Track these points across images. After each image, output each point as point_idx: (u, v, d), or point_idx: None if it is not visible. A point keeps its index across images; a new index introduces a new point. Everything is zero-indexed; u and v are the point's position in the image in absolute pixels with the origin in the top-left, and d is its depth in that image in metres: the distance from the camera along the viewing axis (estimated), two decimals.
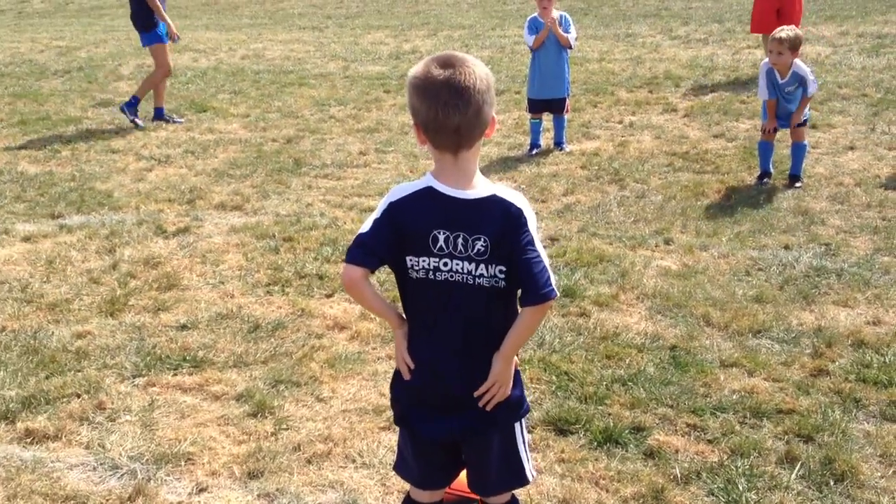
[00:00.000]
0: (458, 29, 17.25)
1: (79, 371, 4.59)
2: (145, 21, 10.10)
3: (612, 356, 4.68)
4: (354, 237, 2.67)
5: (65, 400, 4.31)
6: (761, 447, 3.86)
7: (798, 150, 7.64)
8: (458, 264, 2.58)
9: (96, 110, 11.15)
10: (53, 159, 8.90)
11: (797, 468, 3.70)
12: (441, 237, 2.57)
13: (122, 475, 3.72)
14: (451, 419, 2.73)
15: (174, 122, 10.44)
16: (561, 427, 4.04)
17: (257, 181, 8.03)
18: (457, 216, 2.57)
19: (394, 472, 3.13)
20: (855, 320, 5.08)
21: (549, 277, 2.59)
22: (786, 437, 3.95)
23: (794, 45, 7.34)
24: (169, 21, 10.16)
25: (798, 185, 7.52)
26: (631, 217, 6.90)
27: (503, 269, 2.58)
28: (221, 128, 10.18)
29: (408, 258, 2.62)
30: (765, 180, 7.65)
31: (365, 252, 2.63)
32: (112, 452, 3.88)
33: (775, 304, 5.29)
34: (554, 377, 4.48)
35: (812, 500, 3.52)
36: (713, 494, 3.56)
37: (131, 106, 10.21)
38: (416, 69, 2.54)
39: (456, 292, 2.61)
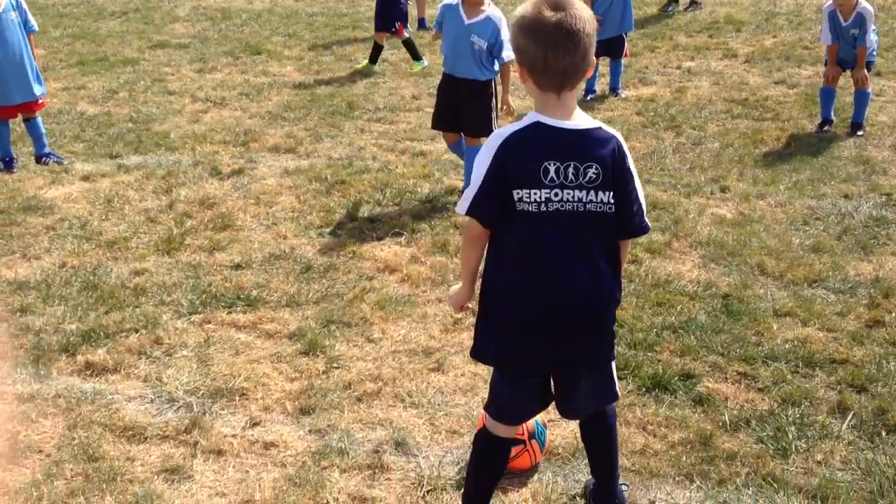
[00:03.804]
0: None
1: (137, 307, 4.69)
2: None
3: (664, 303, 4.66)
4: (470, 189, 2.68)
5: (123, 335, 4.42)
6: (813, 396, 3.83)
7: (861, 98, 7.44)
8: (568, 193, 2.63)
9: (153, 52, 11.23)
10: (111, 100, 9.01)
11: (849, 418, 3.67)
12: (552, 168, 2.62)
13: (178, 408, 3.82)
14: (559, 348, 2.75)
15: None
16: None
17: (310, 124, 8.05)
18: (566, 146, 2.63)
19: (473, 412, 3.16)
20: None
21: (644, 212, 2.73)
22: (838, 387, 3.91)
23: None
24: None
25: (860, 133, 7.34)
26: (686, 164, 6.80)
27: (612, 194, 2.66)
28: (275, 70, 10.20)
29: (515, 192, 2.63)
30: (826, 128, 7.48)
31: (488, 206, 2.67)
32: (169, 386, 3.99)
33: (832, 254, 5.20)
34: None
35: (863, 450, 3.49)
36: (762, 442, 3.55)
37: (422, 24, 12.23)
38: (524, 9, 2.59)
39: (567, 220, 2.65)
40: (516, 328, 2.75)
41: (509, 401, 2.91)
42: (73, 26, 12.92)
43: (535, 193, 2.62)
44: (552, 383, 2.90)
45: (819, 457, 3.46)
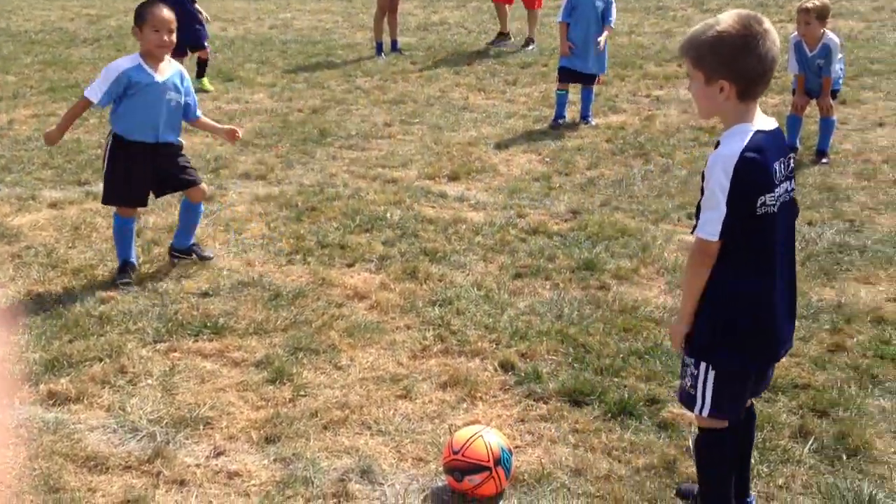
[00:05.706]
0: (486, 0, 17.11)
1: (101, 335, 4.66)
2: None
3: (630, 329, 4.68)
4: (714, 212, 2.77)
5: (87, 363, 4.38)
6: (775, 421, 3.85)
7: (826, 126, 7.55)
8: (783, 186, 2.87)
9: None
10: (81, 127, 8.95)
11: (810, 442, 3.70)
12: (777, 167, 2.83)
13: (141, 438, 3.79)
14: (790, 333, 3.05)
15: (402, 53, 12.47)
16: (576, 398, 4.06)
17: (282, 151, 8.06)
18: (779, 145, 2.89)
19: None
20: (876, 297, 5.05)
21: None
22: (800, 411, 3.95)
23: (821, 14, 7.24)
24: None
25: (825, 160, 7.44)
26: (654, 191, 6.86)
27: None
28: (247, 97, 10.21)
29: (759, 199, 2.77)
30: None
31: (737, 224, 2.77)
32: (132, 415, 3.95)
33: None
34: (571, 349, 4.49)
35: (824, 474, 3.52)
36: None
37: (395, 48, 12.49)
38: (730, 26, 2.75)
39: (785, 211, 2.88)
40: (763, 328, 2.90)
41: (739, 398, 3.02)
42: (44, 53, 12.88)
43: (774, 194, 2.81)
44: None
45: (781, 481, 3.49)
